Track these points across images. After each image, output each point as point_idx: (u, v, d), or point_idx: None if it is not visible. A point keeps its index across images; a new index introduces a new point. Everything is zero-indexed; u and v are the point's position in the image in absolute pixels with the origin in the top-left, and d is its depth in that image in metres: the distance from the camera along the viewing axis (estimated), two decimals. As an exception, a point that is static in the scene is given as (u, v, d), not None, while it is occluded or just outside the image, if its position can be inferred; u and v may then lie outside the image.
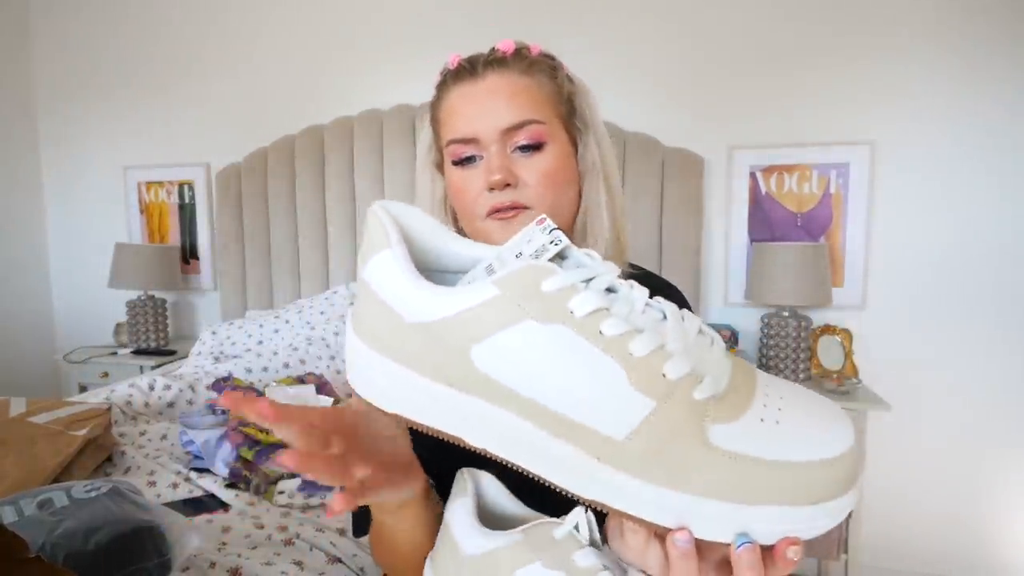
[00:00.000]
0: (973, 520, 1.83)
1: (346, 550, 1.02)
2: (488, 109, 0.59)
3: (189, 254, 2.49)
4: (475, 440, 0.33)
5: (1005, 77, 1.73)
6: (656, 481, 0.30)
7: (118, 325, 2.45)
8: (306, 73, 2.29)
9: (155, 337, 2.30)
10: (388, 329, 0.34)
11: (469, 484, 0.45)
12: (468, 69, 0.61)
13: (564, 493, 0.33)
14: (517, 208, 0.59)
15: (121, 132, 2.53)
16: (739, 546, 0.30)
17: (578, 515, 0.39)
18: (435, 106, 0.65)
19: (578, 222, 0.67)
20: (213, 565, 0.87)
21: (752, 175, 1.92)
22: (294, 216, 2.22)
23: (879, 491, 1.88)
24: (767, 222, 1.93)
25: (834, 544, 1.65)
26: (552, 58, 0.64)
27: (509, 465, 0.33)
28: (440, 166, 0.67)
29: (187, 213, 2.48)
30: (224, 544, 0.97)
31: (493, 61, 0.60)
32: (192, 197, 2.46)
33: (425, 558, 0.54)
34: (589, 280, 0.32)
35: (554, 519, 0.40)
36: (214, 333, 1.98)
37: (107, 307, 2.57)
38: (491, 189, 0.59)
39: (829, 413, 0.32)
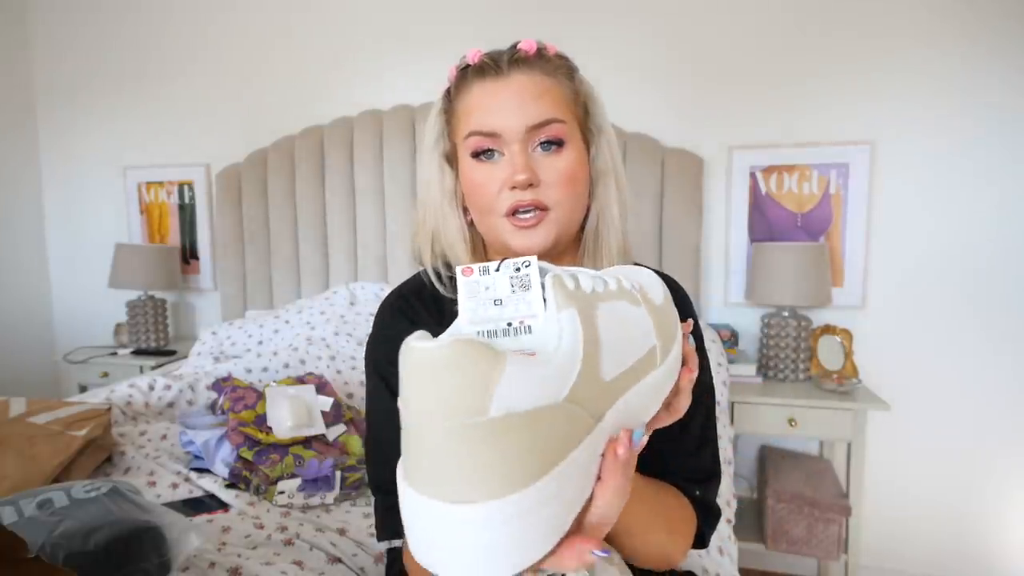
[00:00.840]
0: (973, 520, 1.83)
1: (346, 550, 1.02)
2: (514, 106, 0.59)
3: (189, 254, 2.49)
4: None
5: (1004, 77, 1.73)
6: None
7: (118, 325, 2.45)
8: (306, 73, 2.29)
9: (155, 337, 2.30)
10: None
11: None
12: (492, 66, 0.61)
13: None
14: (540, 209, 0.60)
15: (121, 132, 2.53)
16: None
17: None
18: (453, 98, 0.65)
19: (589, 224, 0.67)
20: (213, 565, 0.87)
21: (752, 175, 1.93)
22: (294, 216, 2.22)
23: (879, 491, 1.88)
24: (767, 222, 1.93)
25: (834, 544, 1.65)
26: (569, 60, 0.65)
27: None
28: (450, 158, 0.67)
29: (187, 213, 2.48)
30: (224, 544, 0.97)
31: (517, 60, 0.61)
32: (192, 197, 2.46)
33: None
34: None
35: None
36: (214, 333, 1.98)
37: (107, 307, 2.57)
38: (513, 188, 0.60)
39: None
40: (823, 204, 1.88)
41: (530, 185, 0.59)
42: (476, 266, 0.37)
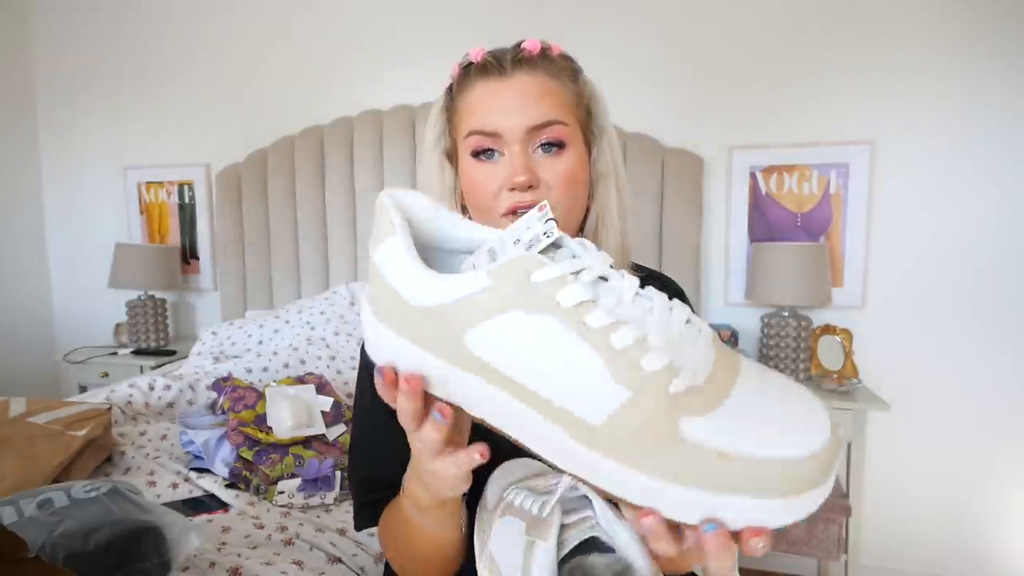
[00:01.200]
0: (973, 520, 1.83)
1: (346, 550, 1.02)
2: (516, 107, 0.59)
3: (189, 254, 2.49)
4: (477, 412, 0.36)
5: (1005, 77, 1.73)
6: (627, 463, 0.31)
7: (118, 325, 2.45)
8: (306, 73, 2.29)
9: (155, 337, 2.30)
10: (397, 310, 0.36)
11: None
12: (496, 65, 0.61)
13: (551, 466, 0.35)
14: None
15: (121, 132, 2.53)
16: (706, 530, 0.31)
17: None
18: (454, 96, 0.64)
19: (588, 225, 0.67)
20: (213, 565, 0.88)
21: (752, 175, 1.93)
22: (294, 216, 2.22)
23: (879, 491, 1.88)
24: (767, 222, 1.93)
25: (834, 544, 1.65)
26: (573, 60, 0.65)
27: (507, 437, 0.36)
28: (451, 156, 0.67)
29: (187, 213, 2.48)
30: (224, 544, 0.97)
31: (521, 60, 0.61)
32: (192, 197, 2.46)
33: (444, 560, 0.56)
34: (579, 272, 0.33)
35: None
36: (214, 333, 1.98)
37: (107, 307, 2.57)
38: (513, 189, 0.59)
39: (806, 409, 0.32)
40: (823, 204, 1.88)
41: (530, 187, 0.59)
42: (548, 211, 0.36)
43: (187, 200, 2.47)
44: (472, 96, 0.62)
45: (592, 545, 0.44)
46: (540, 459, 0.35)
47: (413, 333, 0.36)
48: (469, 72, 0.62)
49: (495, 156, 0.61)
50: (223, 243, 2.31)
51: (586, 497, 0.45)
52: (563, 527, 0.43)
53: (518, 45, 0.62)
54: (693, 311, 0.72)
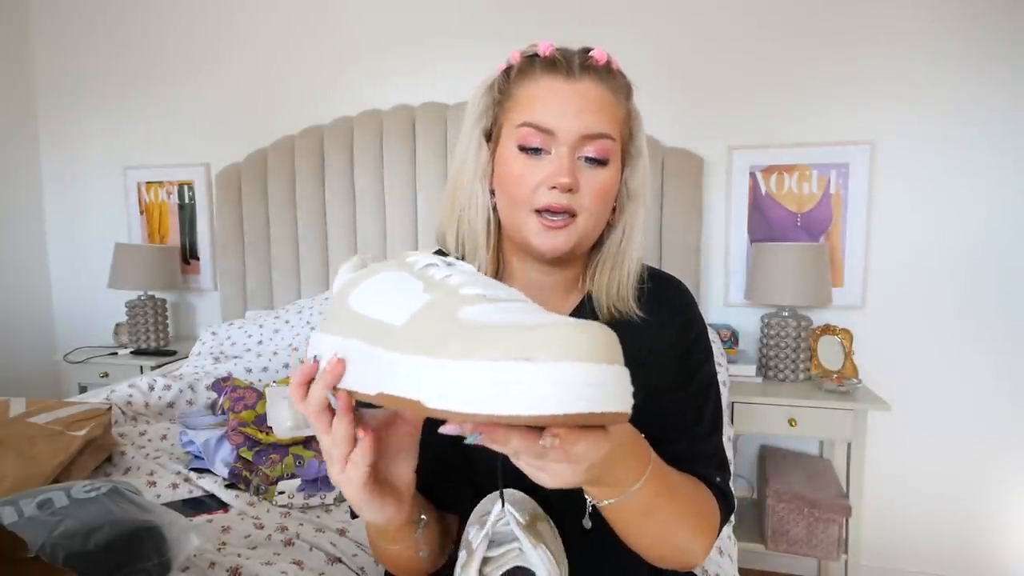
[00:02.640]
0: (973, 520, 1.83)
1: (346, 550, 1.02)
2: (576, 111, 0.60)
3: (189, 254, 2.49)
4: (351, 383, 0.41)
5: (1004, 78, 1.73)
6: (408, 351, 0.35)
7: (118, 325, 2.45)
8: (306, 73, 2.29)
9: (155, 337, 2.30)
10: (326, 316, 0.48)
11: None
12: (564, 64, 0.61)
13: (360, 396, 0.40)
14: (569, 214, 0.61)
15: (121, 132, 2.53)
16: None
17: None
18: (512, 81, 0.64)
19: (613, 238, 0.68)
20: (213, 565, 0.87)
21: (752, 175, 1.93)
22: (294, 216, 2.22)
23: (879, 491, 1.88)
24: (767, 222, 1.93)
25: (834, 544, 1.65)
26: (629, 80, 0.66)
27: (365, 399, 0.39)
28: (488, 135, 0.67)
29: (187, 213, 2.48)
30: (224, 544, 0.97)
31: (588, 67, 0.61)
32: (192, 197, 2.46)
33: (409, 567, 0.61)
34: (435, 265, 0.44)
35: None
36: (214, 333, 1.98)
37: (107, 307, 2.57)
38: (553, 188, 0.60)
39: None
40: (823, 204, 1.88)
41: (569, 190, 0.60)
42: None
43: (187, 200, 2.47)
44: (534, 88, 0.62)
45: (515, 573, 0.51)
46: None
47: (331, 322, 0.45)
48: (534, 63, 0.63)
49: (540, 154, 0.61)
50: (223, 243, 2.31)
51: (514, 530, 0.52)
52: (490, 559, 0.51)
53: (586, 51, 0.63)
54: (697, 312, 0.72)
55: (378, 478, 0.49)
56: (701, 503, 0.61)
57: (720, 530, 0.65)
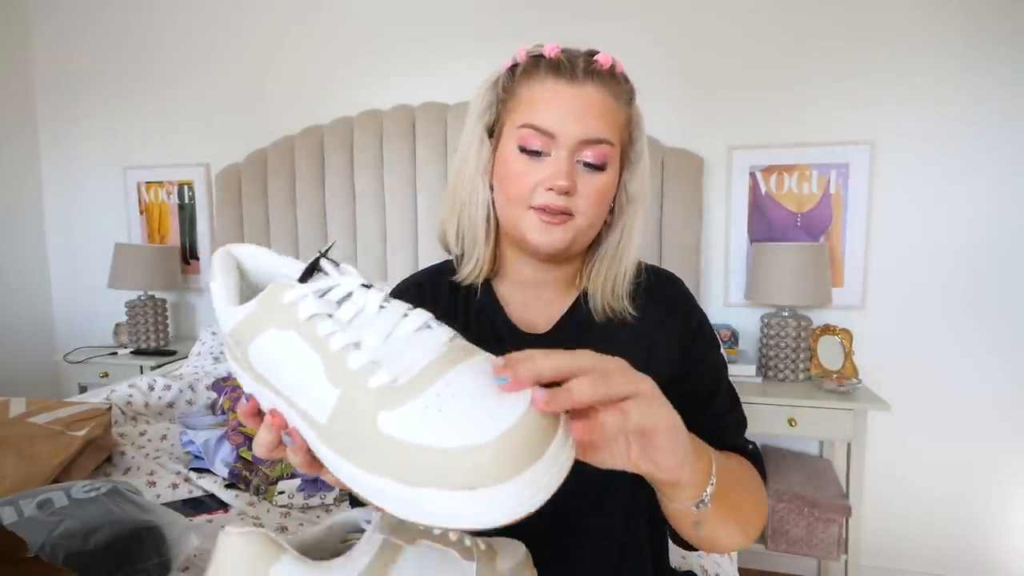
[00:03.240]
0: (973, 520, 1.83)
1: (346, 550, 1.02)
2: (577, 116, 0.61)
3: (189, 254, 2.49)
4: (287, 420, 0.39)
5: (1004, 78, 1.73)
6: (346, 457, 0.33)
7: (118, 325, 2.45)
8: (306, 73, 2.29)
9: (155, 337, 2.30)
10: (230, 347, 0.42)
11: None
12: (568, 68, 0.62)
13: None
14: (566, 214, 0.62)
15: (121, 132, 2.53)
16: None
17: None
18: (516, 80, 0.65)
19: (611, 240, 0.69)
20: (213, 565, 0.87)
21: (752, 175, 1.93)
22: (294, 216, 2.22)
23: (879, 491, 1.88)
24: (767, 222, 1.93)
25: (834, 544, 1.65)
26: (632, 85, 0.67)
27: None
28: (491, 131, 0.67)
29: (187, 213, 2.48)
30: (224, 544, 0.97)
31: (592, 71, 0.62)
32: (192, 197, 2.46)
33: None
34: (327, 291, 0.38)
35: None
36: (214, 333, 1.98)
37: (107, 307, 2.57)
38: (550, 189, 0.61)
39: (498, 397, 0.33)
40: (823, 204, 1.88)
41: (566, 192, 0.61)
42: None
43: (187, 200, 2.47)
44: (538, 89, 0.63)
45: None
46: None
47: (231, 354, 0.42)
48: (539, 64, 0.63)
49: (540, 156, 0.62)
50: (223, 243, 2.30)
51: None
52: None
53: (591, 54, 0.63)
54: (695, 305, 0.73)
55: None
56: (750, 478, 0.62)
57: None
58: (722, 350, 0.77)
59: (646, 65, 1.98)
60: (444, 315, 0.57)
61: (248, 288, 0.45)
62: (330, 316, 0.37)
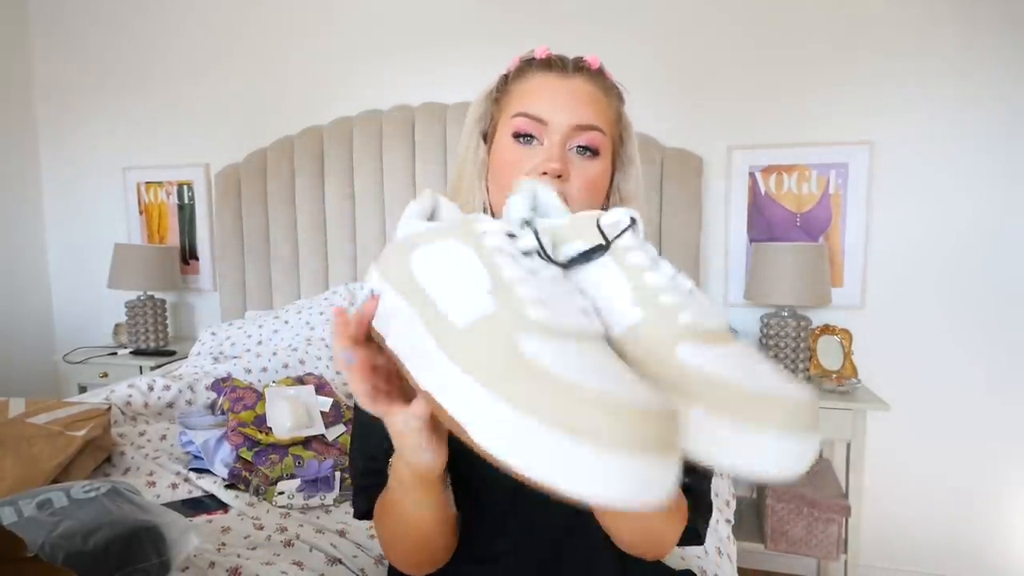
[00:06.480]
0: (973, 520, 1.83)
1: (346, 551, 1.02)
2: (567, 103, 0.63)
3: (188, 254, 2.49)
4: (390, 341, 0.41)
5: (1003, 78, 1.73)
6: (464, 368, 0.33)
7: (117, 325, 2.45)
8: (306, 73, 2.29)
9: (154, 337, 2.30)
10: (387, 255, 0.44)
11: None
12: (559, 64, 0.65)
13: (410, 377, 0.38)
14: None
15: (121, 132, 2.53)
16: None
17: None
18: (509, 83, 0.68)
19: None
20: (213, 565, 0.87)
21: (751, 175, 1.93)
22: (293, 216, 2.22)
23: (879, 491, 1.88)
24: (766, 222, 1.93)
25: (834, 544, 1.66)
26: (621, 88, 0.70)
27: (393, 357, 0.40)
28: (486, 136, 0.70)
29: (186, 213, 2.48)
30: (224, 544, 0.97)
31: (581, 67, 0.65)
32: (192, 197, 2.46)
33: (429, 541, 0.59)
34: (511, 236, 0.41)
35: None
36: (213, 334, 1.98)
37: (107, 307, 2.57)
38: (543, 174, 0.62)
39: (647, 385, 0.32)
40: (822, 204, 1.88)
41: (559, 177, 0.62)
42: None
43: (186, 200, 2.47)
44: (529, 83, 0.65)
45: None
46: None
47: (385, 266, 0.43)
48: (531, 65, 0.67)
49: (533, 143, 0.64)
50: (222, 243, 2.31)
51: None
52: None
53: (580, 57, 0.67)
54: None
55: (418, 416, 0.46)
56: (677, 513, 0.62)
57: (702, 534, 0.67)
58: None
59: (646, 65, 1.98)
60: None
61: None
62: (510, 255, 0.39)
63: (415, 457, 0.47)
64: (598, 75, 0.66)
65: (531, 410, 0.29)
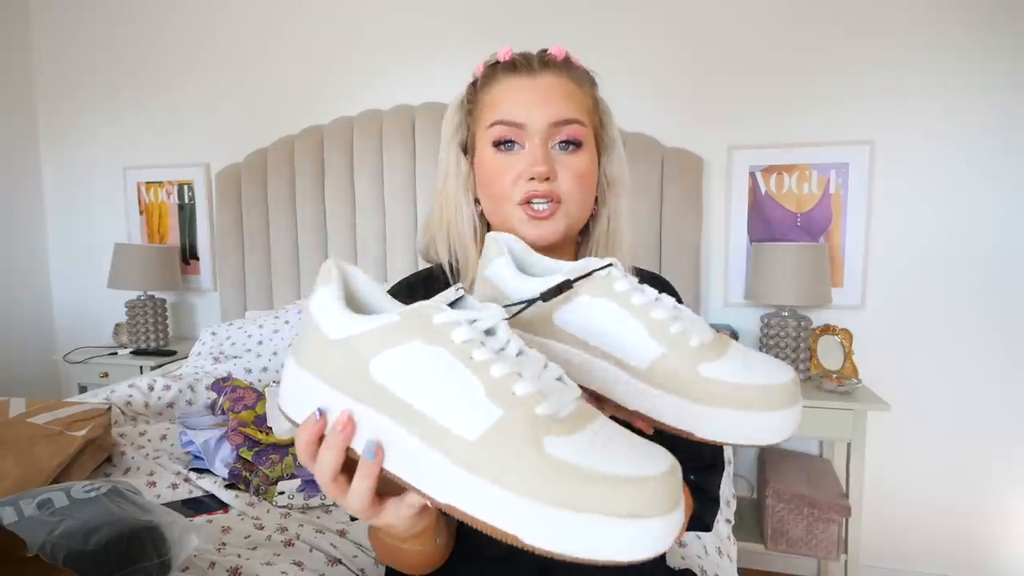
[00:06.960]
0: (973, 520, 1.83)
1: (347, 551, 1.02)
2: (540, 102, 0.62)
3: (189, 254, 2.49)
4: (393, 466, 0.38)
5: (1003, 77, 1.73)
6: (497, 481, 0.33)
7: (118, 325, 2.45)
8: (306, 73, 2.29)
9: (155, 337, 2.30)
10: (315, 347, 0.40)
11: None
12: (524, 64, 0.64)
13: (426, 499, 0.36)
14: (552, 200, 0.62)
15: (121, 132, 2.53)
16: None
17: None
18: (478, 91, 0.67)
19: (599, 228, 0.70)
20: (213, 565, 0.87)
21: (752, 175, 1.93)
22: (294, 216, 2.22)
23: (879, 491, 1.88)
24: (767, 222, 1.93)
25: (834, 544, 1.65)
26: (591, 73, 0.68)
27: (392, 478, 0.37)
28: (465, 148, 0.69)
29: (187, 213, 2.48)
30: (224, 544, 0.97)
31: (547, 62, 0.64)
32: (192, 197, 2.46)
33: (425, 561, 0.57)
34: (473, 321, 0.39)
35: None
36: (214, 334, 1.98)
37: (107, 307, 2.57)
38: (531, 179, 0.61)
39: (647, 447, 0.35)
40: (823, 204, 1.88)
41: (546, 178, 0.61)
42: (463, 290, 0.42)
43: (187, 200, 2.47)
44: (498, 90, 0.64)
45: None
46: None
47: (324, 368, 0.39)
48: (496, 69, 0.66)
49: (515, 148, 0.63)
50: (223, 243, 2.31)
51: None
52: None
53: (544, 50, 0.65)
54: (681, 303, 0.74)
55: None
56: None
57: (708, 523, 0.68)
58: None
59: (646, 65, 1.98)
60: None
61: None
62: (481, 343, 0.38)
63: (408, 532, 0.46)
64: (566, 66, 0.65)
65: (571, 506, 0.31)
